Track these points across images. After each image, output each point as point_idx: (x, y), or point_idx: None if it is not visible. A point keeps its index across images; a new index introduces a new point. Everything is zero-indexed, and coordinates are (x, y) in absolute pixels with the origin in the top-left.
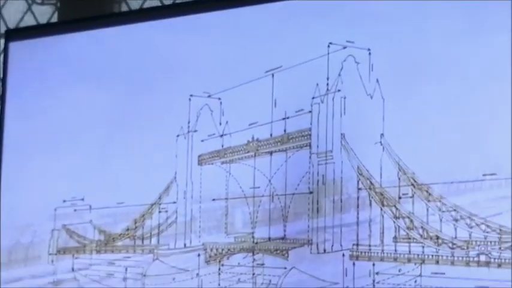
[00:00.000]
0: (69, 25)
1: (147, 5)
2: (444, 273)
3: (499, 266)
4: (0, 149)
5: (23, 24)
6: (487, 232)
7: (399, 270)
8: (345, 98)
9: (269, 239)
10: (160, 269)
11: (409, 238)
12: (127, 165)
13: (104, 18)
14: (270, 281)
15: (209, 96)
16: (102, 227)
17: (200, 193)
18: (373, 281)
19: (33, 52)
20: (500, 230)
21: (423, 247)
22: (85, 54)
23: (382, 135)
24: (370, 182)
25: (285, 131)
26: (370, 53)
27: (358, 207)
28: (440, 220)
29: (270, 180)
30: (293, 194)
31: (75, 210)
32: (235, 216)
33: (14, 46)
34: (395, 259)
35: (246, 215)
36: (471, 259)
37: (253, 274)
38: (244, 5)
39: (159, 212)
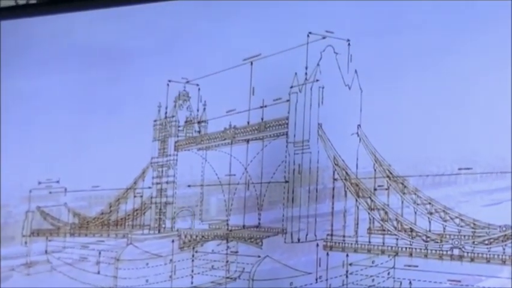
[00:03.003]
0: (46, 7)
1: None
2: (417, 266)
3: (472, 260)
4: None
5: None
6: (461, 226)
7: (373, 262)
8: (323, 88)
9: (243, 226)
10: (134, 253)
11: (384, 230)
12: (103, 148)
13: (82, 1)
14: (244, 269)
15: (187, 82)
16: (77, 210)
17: (176, 179)
18: (347, 271)
19: (9, 33)
20: (474, 224)
21: (397, 239)
22: (62, 37)
23: (359, 126)
24: (346, 173)
25: (262, 119)
26: (349, 44)
27: (333, 197)
28: (415, 213)
29: (246, 168)
30: (269, 182)
31: (50, 192)
32: (210, 203)
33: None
34: (369, 250)
35: (221, 202)
36: (444, 252)
37: (227, 261)
38: None
39: (134, 196)
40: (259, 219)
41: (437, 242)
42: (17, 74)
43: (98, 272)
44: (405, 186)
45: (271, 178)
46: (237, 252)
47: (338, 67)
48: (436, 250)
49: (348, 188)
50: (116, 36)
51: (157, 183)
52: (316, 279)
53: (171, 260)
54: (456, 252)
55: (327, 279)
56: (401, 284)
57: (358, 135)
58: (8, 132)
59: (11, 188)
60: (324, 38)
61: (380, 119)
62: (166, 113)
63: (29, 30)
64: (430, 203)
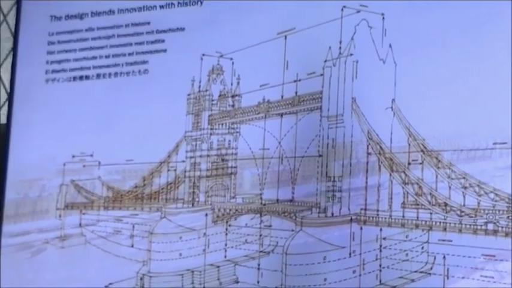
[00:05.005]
0: None
1: None
2: (451, 241)
3: (507, 235)
4: (10, 102)
5: None
6: (496, 201)
7: (406, 236)
8: (357, 62)
9: (277, 201)
10: (168, 227)
11: (417, 204)
12: (137, 122)
13: None
14: (277, 243)
15: (221, 56)
16: (111, 183)
17: (209, 153)
18: (380, 246)
19: (46, 6)
20: (509, 199)
21: (431, 214)
22: (97, 9)
23: (393, 100)
24: (380, 147)
25: (296, 93)
26: (383, 18)
27: (367, 171)
28: (449, 187)
29: (279, 142)
30: (302, 156)
31: (84, 166)
32: (244, 177)
33: (26, 2)
34: (402, 225)
35: (254, 176)
36: (479, 227)
37: (260, 235)
38: None
39: (168, 170)
40: (293, 193)
41: (472, 217)
42: (51, 45)
43: (132, 246)
44: (439, 161)
45: (305, 152)
46: (270, 226)
47: (372, 41)
48: (470, 225)
49: (381, 163)
50: (147, 11)
51: (191, 157)
52: (350, 254)
53: (204, 234)
54: (491, 227)
55: (360, 254)
56: (435, 258)
57: (392, 110)
58: (41, 106)
59: (45, 162)
60: (358, 12)
61: (414, 93)
62: (200, 87)
63: (64, 2)
64: (464, 178)
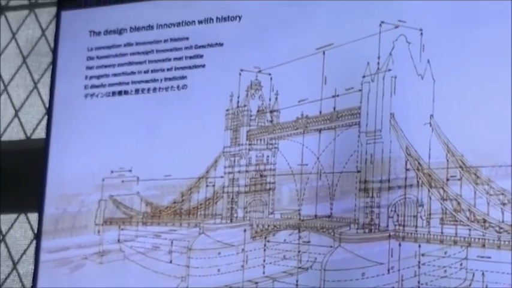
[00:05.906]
0: None
1: None
2: (490, 257)
3: None
4: (49, 116)
5: None
6: None
7: (445, 253)
8: (395, 77)
9: (315, 216)
10: (206, 243)
11: (456, 220)
12: (176, 137)
13: None
14: (316, 258)
15: (259, 71)
16: (149, 199)
17: (247, 168)
18: (419, 262)
19: (85, 21)
20: None
21: (470, 230)
22: (136, 24)
23: (431, 116)
24: (419, 163)
25: (334, 108)
26: (422, 33)
27: (405, 187)
28: (488, 203)
29: (318, 158)
30: (341, 172)
31: (122, 181)
32: (282, 193)
33: (66, 15)
34: (441, 241)
35: (293, 192)
36: None
37: (299, 251)
38: None
39: (206, 186)
40: (331, 209)
41: (510, 233)
42: (91, 61)
43: (170, 261)
44: (478, 177)
45: (343, 168)
46: (308, 242)
47: (410, 57)
48: (509, 241)
49: (420, 178)
50: (186, 26)
51: (229, 173)
52: (388, 270)
53: (243, 250)
54: None
55: (399, 270)
56: (474, 275)
57: (430, 125)
58: (80, 121)
59: (84, 177)
60: (396, 27)
61: (453, 108)
62: (238, 102)
63: (104, 17)
64: (503, 194)
